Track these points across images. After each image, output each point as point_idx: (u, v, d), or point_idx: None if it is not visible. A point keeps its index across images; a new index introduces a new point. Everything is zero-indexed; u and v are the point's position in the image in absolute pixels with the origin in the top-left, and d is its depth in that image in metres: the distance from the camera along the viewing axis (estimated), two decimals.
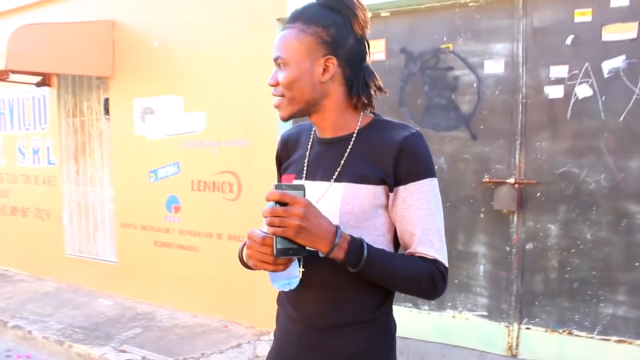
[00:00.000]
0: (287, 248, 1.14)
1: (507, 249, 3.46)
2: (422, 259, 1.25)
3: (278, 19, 4.07)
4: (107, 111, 5.32)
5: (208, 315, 4.62)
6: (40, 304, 5.09)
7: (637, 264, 3.11)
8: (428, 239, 1.25)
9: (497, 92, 3.46)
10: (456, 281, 3.61)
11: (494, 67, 3.46)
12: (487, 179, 3.46)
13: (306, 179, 1.34)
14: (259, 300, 4.32)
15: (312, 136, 1.40)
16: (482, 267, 3.57)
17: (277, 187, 1.13)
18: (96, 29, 4.97)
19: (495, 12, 3.42)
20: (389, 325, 1.34)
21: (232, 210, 4.46)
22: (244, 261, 1.36)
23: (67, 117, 5.72)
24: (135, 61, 4.94)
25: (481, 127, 3.50)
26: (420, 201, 1.25)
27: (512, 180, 3.40)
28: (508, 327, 3.49)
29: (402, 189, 1.25)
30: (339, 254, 1.15)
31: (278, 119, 4.07)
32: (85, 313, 4.81)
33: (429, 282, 1.23)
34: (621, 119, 3.10)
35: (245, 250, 1.31)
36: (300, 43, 1.25)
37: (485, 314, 3.56)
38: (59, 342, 4.14)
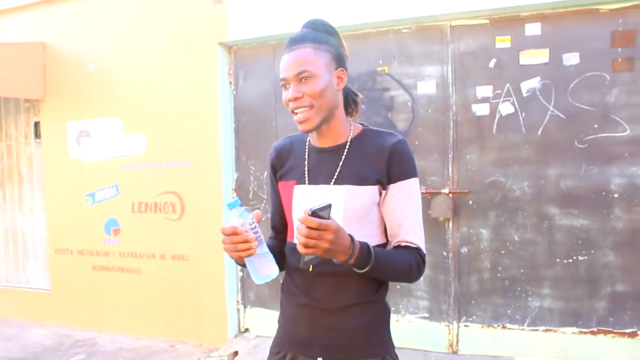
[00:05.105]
0: (312, 259, 1.30)
1: (445, 253, 3.77)
2: (408, 248, 1.47)
3: (219, 43, 4.22)
4: (37, 135, 5.18)
5: (152, 337, 4.59)
6: None
7: (558, 260, 3.50)
8: (412, 229, 1.48)
9: (429, 111, 3.78)
10: (398, 287, 3.86)
11: (426, 87, 3.79)
12: (423, 190, 3.76)
13: (308, 183, 1.52)
14: (205, 318, 4.37)
15: (307, 146, 1.58)
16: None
17: (312, 213, 1.24)
18: (25, 51, 4.86)
19: (426, 38, 3.77)
20: (386, 305, 1.57)
21: (176, 231, 4.49)
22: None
23: None
24: (68, 84, 4.87)
25: (416, 142, 3.80)
26: (407, 197, 1.48)
27: (446, 190, 3.72)
28: (448, 326, 3.78)
29: (392, 187, 1.47)
30: (352, 261, 1.33)
31: (221, 139, 4.25)
32: (20, 344, 4.61)
33: (415, 269, 1.47)
34: (539, 132, 3.51)
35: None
36: (320, 58, 1.44)
37: (427, 315, 3.84)
38: None
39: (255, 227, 1.34)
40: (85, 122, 4.82)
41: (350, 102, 1.59)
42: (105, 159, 4.75)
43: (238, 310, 4.40)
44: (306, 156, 1.57)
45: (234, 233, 1.31)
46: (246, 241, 1.31)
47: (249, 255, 1.33)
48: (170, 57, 4.41)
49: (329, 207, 1.28)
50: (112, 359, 4.17)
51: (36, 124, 5.20)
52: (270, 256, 1.38)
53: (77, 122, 4.86)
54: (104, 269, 4.82)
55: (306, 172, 1.54)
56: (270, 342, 1.63)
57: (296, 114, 1.45)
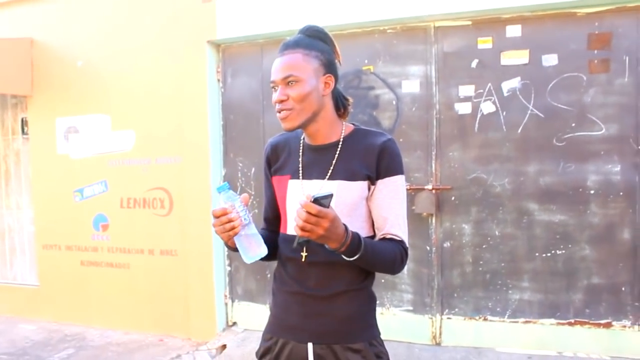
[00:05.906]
0: (305, 241, 1.46)
1: (428, 248, 3.88)
2: (392, 241, 1.56)
3: (208, 41, 4.28)
4: (24, 131, 5.20)
5: (141, 331, 4.65)
6: None
7: (537, 254, 3.63)
8: (397, 223, 1.58)
9: (413, 109, 3.88)
10: (383, 280, 3.96)
11: (410, 86, 3.88)
12: (407, 186, 3.86)
13: (303, 178, 1.61)
14: (193, 312, 4.44)
15: (301, 144, 1.67)
16: (405, 266, 3.94)
17: (315, 199, 1.33)
18: (13, 46, 4.87)
19: (410, 38, 3.86)
20: (373, 293, 1.67)
21: (164, 226, 4.55)
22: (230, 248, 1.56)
23: None
24: (56, 80, 4.89)
25: (401, 140, 3.89)
26: (393, 192, 1.57)
27: (429, 187, 3.83)
28: (431, 318, 3.89)
29: (380, 182, 1.57)
30: (343, 249, 1.42)
31: (209, 136, 4.31)
32: (8, 339, 4.64)
33: (398, 260, 1.56)
34: (519, 130, 3.63)
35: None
36: (308, 64, 1.54)
37: (411, 308, 3.95)
38: None
39: (243, 209, 1.43)
40: (73, 119, 4.86)
41: (340, 105, 1.67)
42: (93, 155, 4.79)
43: (226, 304, 4.48)
44: (300, 153, 1.66)
45: (224, 214, 1.41)
46: (232, 221, 1.41)
47: (235, 234, 1.43)
48: (159, 54, 4.47)
49: (330, 196, 1.36)
50: (101, 353, 4.22)
51: (23, 120, 5.21)
52: (259, 237, 1.47)
53: (65, 119, 4.90)
54: (92, 264, 4.86)
55: (300, 168, 1.63)
56: (257, 335, 1.71)
57: (280, 113, 1.56)
